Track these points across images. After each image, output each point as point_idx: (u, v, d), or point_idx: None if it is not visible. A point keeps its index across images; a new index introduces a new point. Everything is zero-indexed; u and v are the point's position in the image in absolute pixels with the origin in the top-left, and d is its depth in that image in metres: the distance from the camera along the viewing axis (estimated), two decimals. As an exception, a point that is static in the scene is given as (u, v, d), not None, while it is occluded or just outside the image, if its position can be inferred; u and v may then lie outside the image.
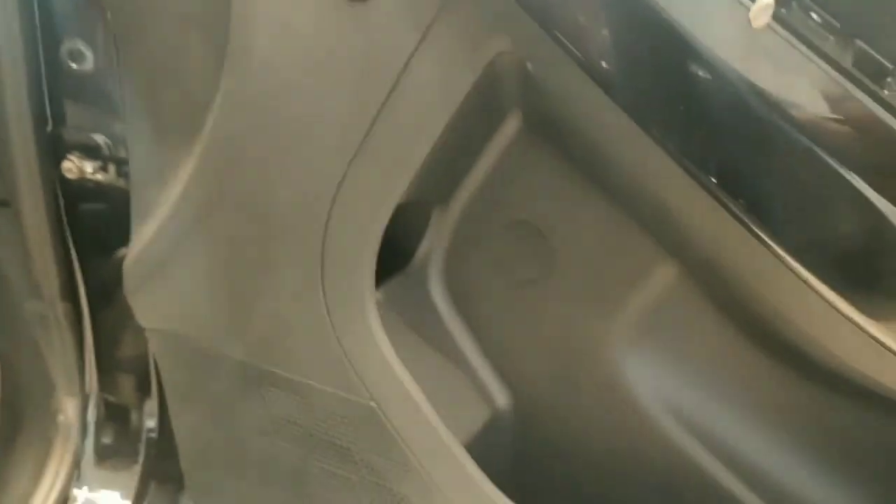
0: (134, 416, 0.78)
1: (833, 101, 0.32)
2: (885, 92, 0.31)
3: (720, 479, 0.46)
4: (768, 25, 0.30)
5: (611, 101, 0.35)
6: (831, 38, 0.32)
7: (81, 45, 0.64)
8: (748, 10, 0.31)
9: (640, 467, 0.48)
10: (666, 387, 0.46)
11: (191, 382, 0.60)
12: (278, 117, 0.43)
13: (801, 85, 0.32)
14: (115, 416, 0.77)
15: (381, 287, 0.48)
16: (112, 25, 0.53)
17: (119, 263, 0.66)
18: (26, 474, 0.76)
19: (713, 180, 0.35)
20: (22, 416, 0.79)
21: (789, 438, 0.46)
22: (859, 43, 0.32)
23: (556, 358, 0.48)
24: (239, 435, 0.59)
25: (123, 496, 0.77)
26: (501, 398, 0.51)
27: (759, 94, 0.32)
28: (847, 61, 0.31)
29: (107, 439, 0.77)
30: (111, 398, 0.77)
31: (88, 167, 0.67)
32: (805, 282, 0.35)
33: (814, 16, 0.32)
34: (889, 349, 0.36)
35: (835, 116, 0.33)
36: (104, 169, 0.67)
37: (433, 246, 0.49)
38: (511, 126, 0.43)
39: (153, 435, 0.78)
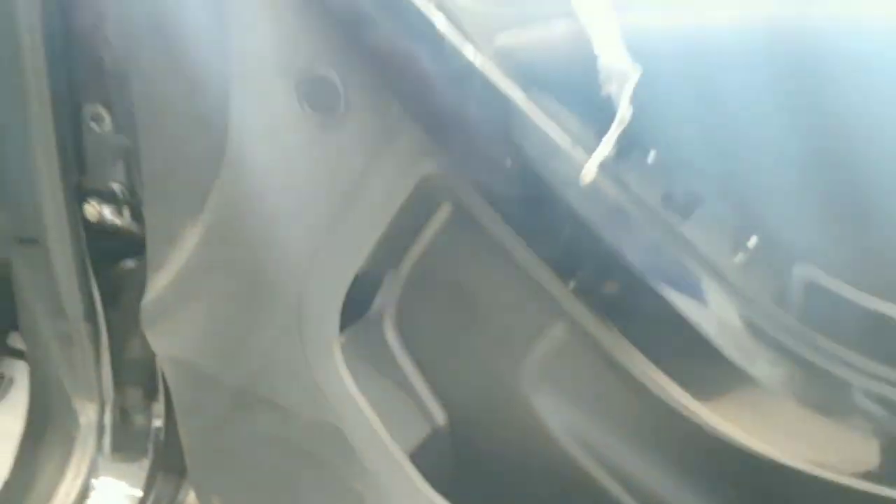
0: (143, 418, 0.90)
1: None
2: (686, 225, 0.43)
3: (615, 494, 0.58)
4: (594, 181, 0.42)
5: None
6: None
7: (101, 109, 0.74)
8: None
9: (550, 483, 0.60)
10: (569, 417, 0.58)
11: (194, 398, 0.72)
12: (265, 204, 0.55)
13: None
14: (127, 418, 0.89)
15: (345, 331, 0.60)
16: (136, 108, 0.64)
17: (132, 285, 0.77)
18: (53, 467, 0.88)
19: (571, 283, 0.47)
20: (49, 418, 0.90)
21: (669, 460, 0.57)
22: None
23: (481, 389, 0.60)
24: (233, 442, 0.72)
25: (134, 485, 0.89)
26: (440, 418, 0.63)
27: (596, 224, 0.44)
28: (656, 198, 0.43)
29: (120, 438, 0.89)
30: (124, 403, 0.89)
31: (106, 211, 0.78)
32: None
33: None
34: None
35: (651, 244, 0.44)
36: (119, 213, 0.78)
37: (387, 299, 0.61)
38: (444, 212, 0.55)
39: (160, 434, 0.89)
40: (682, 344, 0.46)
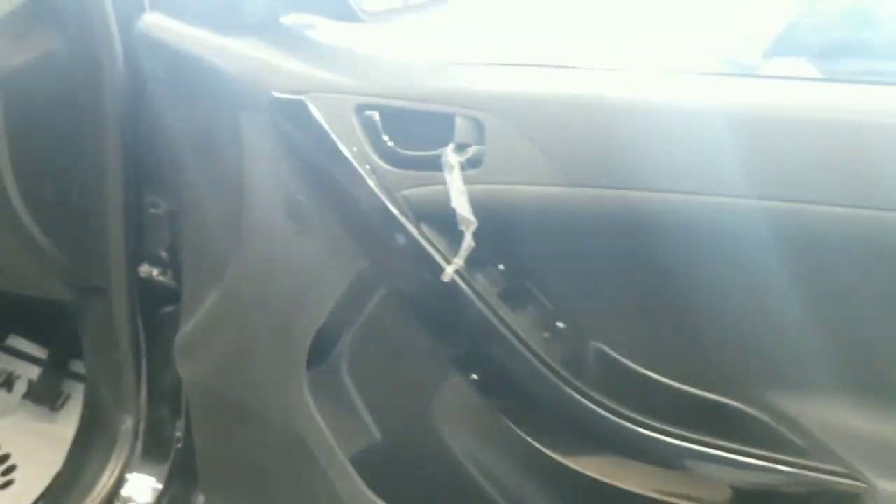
0: (168, 431, 1.13)
1: None
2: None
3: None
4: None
5: None
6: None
7: (158, 199, 1.00)
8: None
9: (452, 493, 0.84)
10: (466, 442, 0.83)
11: (208, 413, 0.97)
12: (266, 280, 0.82)
13: None
14: (156, 429, 1.11)
15: (312, 370, 0.86)
16: (182, 204, 0.92)
17: (169, 326, 1.03)
18: (97, 463, 1.09)
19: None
20: (96, 425, 1.13)
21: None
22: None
23: (404, 417, 0.86)
24: (235, 448, 0.97)
25: (158, 481, 1.13)
26: (376, 435, 0.87)
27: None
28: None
29: (149, 444, 1.13)
30: (154, 418, 1.14)
31: (154, 271, 1.05)
32: None
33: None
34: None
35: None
36: (164, 273, 1.05)
37: (343, 348, 0.86)
38: (379, 293, 0.81)
39: (179, 443, 1.14)
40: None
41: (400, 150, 0.71)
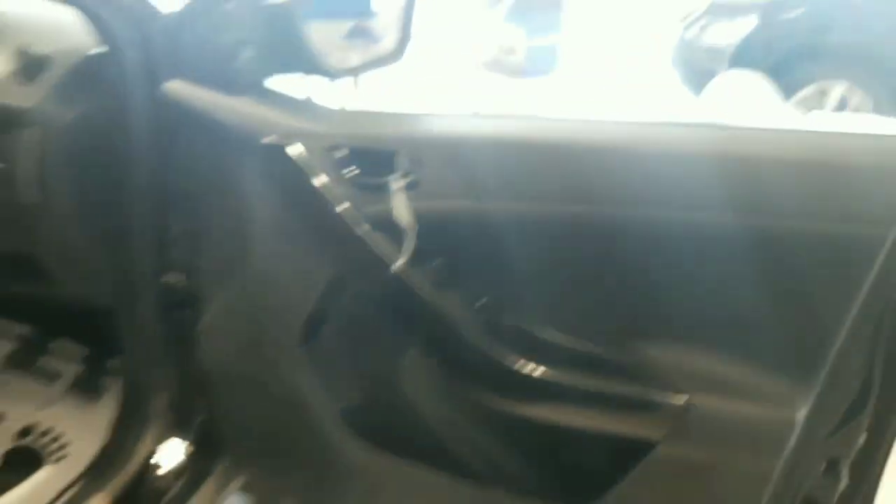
0: (191, 407, 1.30)
1: None
2: None
3: None
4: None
5: None
6: None
7: (178, 221, 1.22)
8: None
9: None
10: (422, 392, 1.08)
11: (228, 388, 1.23)
12: (267, 281, 1.08)
13: None
14: (182, 408, 1.30)
15: (304, 347, 1.12)
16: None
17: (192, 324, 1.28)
18: (136, 436, 1.29)
19: None
20: (135, 405, 1.33)
21: None
22: None
23: (377, 376, 1.11)
24: (251, 410, 1.21)
25: (185, 449, 1.37)
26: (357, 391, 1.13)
27: None
28: None
29: (177, 419, 1.37)
30: (181, 399, 1.37)
31: (176, 279, 1.28)
32: None
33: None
34: None
35: None
36: (183, 280, 1.29)
37: (326, 329, 1.12)
38: (350, 286, 1.07)
39: (200, 417, 1.37)
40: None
41: (360, 179, 0.97)
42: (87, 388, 1.62)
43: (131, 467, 1.30)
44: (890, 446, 0.89)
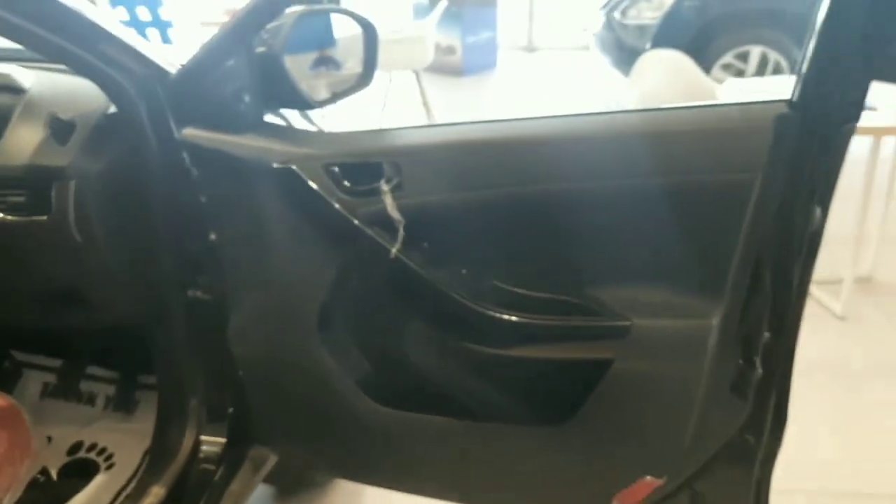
0: (222, 402, 1.53)
1: None
2: None
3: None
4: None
5: None
6: None
7: (200, 243, 1.46)
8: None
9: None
10: (423, 355, 1.32)
11: (256, 374, 1.43)
12: (285, 277, 1.30)
13: None
14: (213, 404, 1.54)
15: (322, 331, 1.35)
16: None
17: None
18: (177, 433, 1.46)
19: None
20: (172, 406, 1.49)
21: None
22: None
23: (385, 347, 1.34)
24: (280, 391, 1.42)
25: (221, 439, 1.58)
26: (369, 363, 1.36)
27: None
28: None
29: (211, 414, 1.57)
30: (210, 397, 1.58)
31: (199, 293, 1.49)
32: None
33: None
34: None
35: None
36: (206, 294, 1.51)
37: (338, 313, 1.35)
38: (355, 275, 1.31)
39: (231, 409, 1.58)
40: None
41: (354, 187, 1.20)
42: (121, 404, 1.83)
43: (178, 461, 1.48)
44: (792, 340, 1.15)
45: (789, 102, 0.98)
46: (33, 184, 1.27)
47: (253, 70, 1.21)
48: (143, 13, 5.20)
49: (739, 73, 4.97)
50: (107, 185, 1.32)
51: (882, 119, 2.76)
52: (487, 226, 1.18)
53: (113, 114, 1.32)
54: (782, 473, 2.02)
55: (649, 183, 1.07)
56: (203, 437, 1.50)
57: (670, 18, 5.07)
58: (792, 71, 4.58)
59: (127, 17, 5.06)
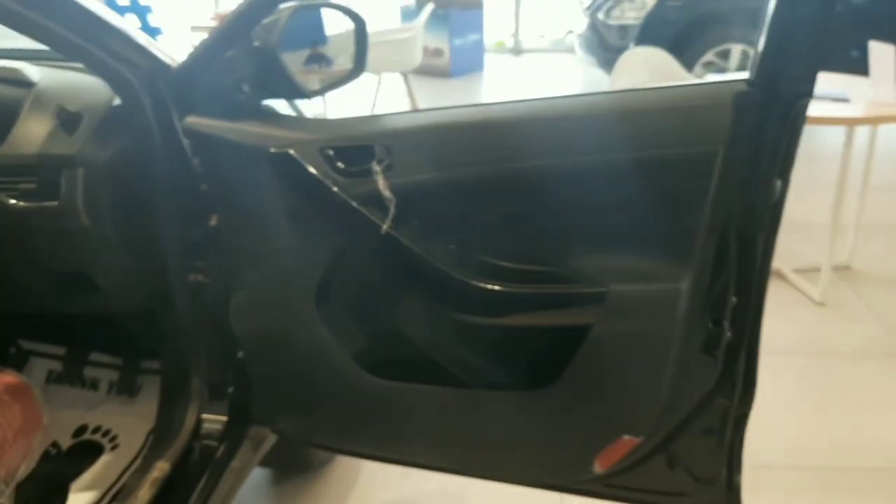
0: (223, 382, 1.59)
1: None
2: None
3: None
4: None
5: None
6: None
7: (201, 228, 1.52)
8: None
9: None
10: (415, 326, 1.40)
11: (257, 350, 1.51)
12: (285, 257, 1.38)
13: None
14: (214, 384, 1.63)
15: (319, 306, 1.42)
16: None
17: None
18: (180, 413, 1.53)
19: None
20: (175, 387, 1.55)
21: None
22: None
23: (378, 321, 1.42)
24: (279, 365, 1.50)
25: (222, 418, 1.66)
26: (364, 336, 1.44)
27: None
28: None
29: (212, 393, 1.64)
30: (212, 376, 1.65)
31: (200, 277, 1.58)
32: None
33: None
34: None
35: None
36: (206, 278, 1.59)
37: (335, 290, 1.43)
38: (350, 251, 1.39)
39: (231, 389, 1.65)
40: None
41: (348, 168, 1.28)
42: (124, 388, 1.90)
43: (182, 437, 1.54)
44: (759, 305, 1.23)
45: (748, 81, 1.06)
46: (44, 171, 1.35)
47: (250, 62, 1.29)
48: (122, -1, 5.12)
49: (721, 71, 5.08)
50: (113, 173, 1.39)
51: (855, 110, 2.86)
52: (472, 202, 1.26)
53: (118, 106, 1.39)
54: (762, 450, 2.13)
55: (621, 158, 1.15)
56: (205, 416, 1.56)
57: (653, 18, 5.18)
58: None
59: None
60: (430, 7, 5.71)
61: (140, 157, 1.38)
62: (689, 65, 4.83)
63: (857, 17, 4.65)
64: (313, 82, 1.55)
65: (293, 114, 1.55)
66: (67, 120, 1.36)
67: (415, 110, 1.27)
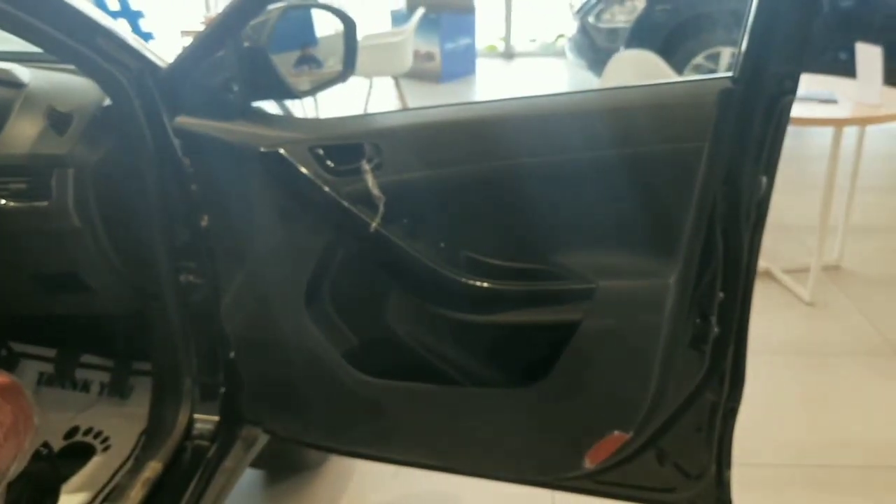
0: (214, 382, 1.57)
1: None
2: None
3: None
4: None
5: None
6: None
7: (191, 228, 1.54)
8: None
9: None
10: (404, 322, 1.41)
11: (248, 350, 1.51)
12: (273, 257, 1.39)
13: None
14: (206, 383, 1.63)
15: (309, 306, 1.43)
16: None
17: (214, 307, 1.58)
18: (172, 413, 1.53)
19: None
20: (167, 387, 1.55)
21: None
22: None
23: (367, 319, 1.43)
24: (270, 365, 1.51)
25: (213, 418, 1.66)
26: (353, 335, 1.44)
27: None
28: None
29: (203, 393, 1.65)
30: (204, 377, 1.65)
31: (191, 278, 1.58)
32: None
33: None
34: None
35: None
36: (197, 278, 1.59)
37: (323, 289, 1.44)
38: (339, 250, 1.39)
39: (223, 389, 1.65)
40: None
41: (337, 167, 1.29)
42: (115, 390, 1.90)
43: (174, 437, 1.54)
44: (746, 301, 1.24)
45: (732, 78, 1.07)
46: (34, 171, 1.35)
47: (240, 63, 1.30)
48: (112, 2, 5.12)
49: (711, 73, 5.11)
50: (104, 173, 1.40)
51: (842, 111, 2.89)
52: (461, 200, 1.27)
53: (108, 106, 1.40)
54: (751, 448, 2.14)
55: (608, 155, 1.16)
56: (196, 416, 1.55)
57: (643, 21, 5.21)
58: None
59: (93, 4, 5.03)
60: (421, 11, 5.73)
61: (130, 158, 1.38)
62: (679, 68, 4.86)
63: (845, 20, 4.69)
64: (303, 83, 1.55)
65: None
66: (58, 120, 1.36)
67: (404, 109, 1.27)
